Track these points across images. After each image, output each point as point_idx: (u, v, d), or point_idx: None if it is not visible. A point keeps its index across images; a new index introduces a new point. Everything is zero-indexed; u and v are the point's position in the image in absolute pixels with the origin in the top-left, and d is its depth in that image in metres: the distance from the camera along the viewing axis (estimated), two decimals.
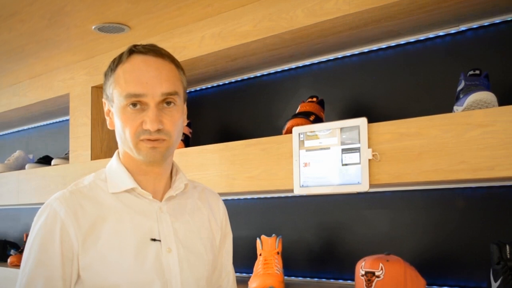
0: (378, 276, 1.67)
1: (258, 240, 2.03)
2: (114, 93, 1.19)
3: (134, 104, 1.16)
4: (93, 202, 1.19)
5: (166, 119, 1.16)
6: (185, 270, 1.22)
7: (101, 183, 1.23)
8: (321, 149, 1.77)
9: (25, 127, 3.63)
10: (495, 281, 1.58)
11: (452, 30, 1.85)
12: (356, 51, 2.07)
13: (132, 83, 1.16)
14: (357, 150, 1.68)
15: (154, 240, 1.19)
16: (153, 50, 1.20)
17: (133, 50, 1.19)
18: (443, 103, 1.73)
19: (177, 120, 1.20)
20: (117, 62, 1.20)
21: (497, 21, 1.77)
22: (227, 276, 1.40)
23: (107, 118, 1.26)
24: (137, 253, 1.17)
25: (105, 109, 1.26)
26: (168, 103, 1.18)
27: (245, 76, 2.43)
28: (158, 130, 1.15)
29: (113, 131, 1.24)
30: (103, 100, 1.25)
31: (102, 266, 1.14)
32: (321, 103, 2.02)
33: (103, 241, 1.15)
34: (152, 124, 1.14)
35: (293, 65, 2.27)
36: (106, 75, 1.23)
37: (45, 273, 1.13)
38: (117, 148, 1.28)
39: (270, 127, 2.22)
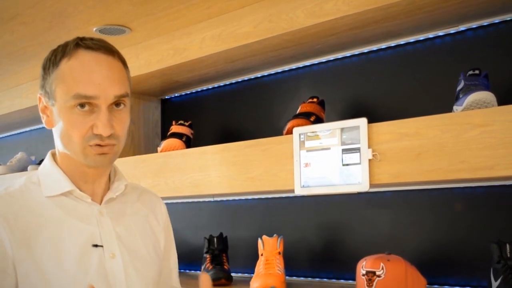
0: (379, 276, 1.68)
1: (259, 241, 2.03)
2: (57, 91, 1.09)
3: (82, 105, 1.06)
4: (26, 207, 1.09)
5: (117, 123, 1.09)
6: (131, 275, 1.14)
7: (33, 186, 1.13)
8: (322, 149, 1.77)
9: (27, 129, 3.64)
10: (496, 280, 1.58)
11: (452, 30, 1.86)
12: (356, 51, 2.08)
13: (82, 83, 1.06)
14: (357, 150, 1.68)
15: (96, 246, 1.11)
16: (104, 47, 1.11)
17: (80, 44, 1.10)
18: (442, 103, 1.73)
19: (126, 123, 1.13)
20: (60, 56, 1.10)
21: (497, 21, 1.77)
22: None
23: (43, 115, 1.15)
24: (78, 261, 1.08)
25: (40, 105, 1.16)
26: (118, 105, 1.10)
27: (245, 77, 2.44)
28: (110, 135, 1.08)
29: None
30: (39, 95, 1.15)
31: (40, 277, 1.05)
32: (321, 103, 2.03)
33: (40, 250, 1.06)
34: (105, 129, 1.06)
35: (293, 65, 2.27)
36: (46, 68, 1.12)
37: None
38: None
39: (271, 127, 2.23)
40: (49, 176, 1.15)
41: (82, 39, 1.11)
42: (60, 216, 1.11)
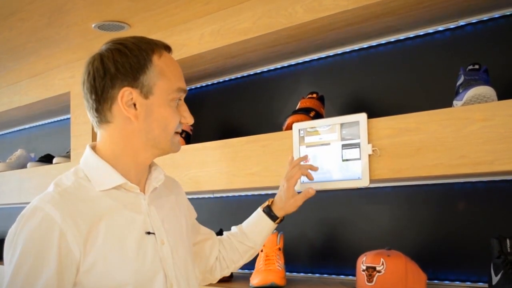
0: (379, 271, 1.68)
1: None
2: (157, 85, 1.18)
3: (179, 98, 1.24)
4: (84, 201, 1.14)
5: None
6: (176, 260, 1.24)
7: (84, 182, 1.18)
8: (322, 145, 1.77)
9: (26, 126, 3.64)
10: (496, 275, 1.58)
11: (452, 25, 1.85)
12: (355, 47, 2.08)
13: (180, 79, 1.23)
14: (357, 145, 1.68)
15: (149, 233, 1.20)
16: (170, 49, 1.28)
17: (157, 44, 1.23)
18: (442, 98, 1.73)
19: None
20: (150, 53, 1.18)
21: (496, 16, 1.77)
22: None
23: (129, 109, 1.17)
24: (137, 248, 1.16)
25: (126, 98, 1.16)
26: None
27: (245, 73, 2.43)
28: None
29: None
30: (127, 88, 1.16)
31: (105, 266, 1.11)
32: (321, 99, 2.02)
33: (102, 240, 1.11)
34: (192, 119, 1.27)
35: (292, 61, 2.27)
36: (142, 65, 1.17)
37: (41, 283, 1.06)
38: None
39: (271, 123, 2.23)
40: (98, 170, 1.20)
41: (157, 41, 1.24)
42: (115, 207, 1.17)
